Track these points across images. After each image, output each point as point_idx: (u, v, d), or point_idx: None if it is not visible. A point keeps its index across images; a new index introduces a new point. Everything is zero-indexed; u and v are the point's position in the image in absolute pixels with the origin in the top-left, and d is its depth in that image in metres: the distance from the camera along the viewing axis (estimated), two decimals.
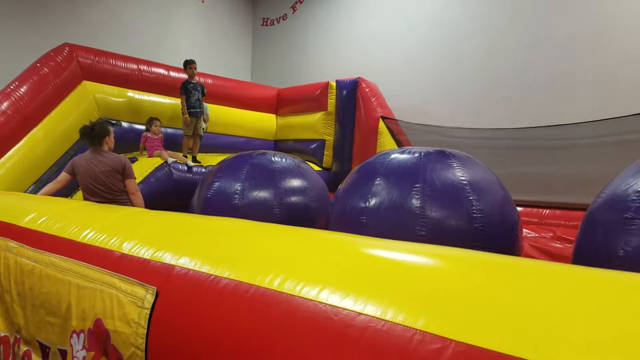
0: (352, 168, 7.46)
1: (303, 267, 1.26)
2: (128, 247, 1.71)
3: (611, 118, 5.28)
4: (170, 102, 6.95)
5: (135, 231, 1.84)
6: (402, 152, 3.37)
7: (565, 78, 6.21)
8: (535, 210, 5.54)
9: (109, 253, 1.76)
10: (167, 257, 1.54)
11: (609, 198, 2.44)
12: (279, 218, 4.15)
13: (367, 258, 1.27)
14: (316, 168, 7.83)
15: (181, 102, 6.32)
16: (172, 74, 7.04)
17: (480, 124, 6.64)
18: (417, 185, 3.03)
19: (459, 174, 3.11)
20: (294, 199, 4.32)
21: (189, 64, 6.37)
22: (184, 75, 6.55)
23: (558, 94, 6.26)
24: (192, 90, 6.32)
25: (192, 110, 6.32)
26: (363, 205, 3.16)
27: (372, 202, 3.12)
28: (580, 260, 2.56)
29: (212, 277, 1.34)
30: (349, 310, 1.04)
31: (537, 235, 4.88)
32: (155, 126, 6.12)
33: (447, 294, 1.02)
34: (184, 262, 1.47)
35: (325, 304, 1.08)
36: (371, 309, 1.02)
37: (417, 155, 3.25)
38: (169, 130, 6.79)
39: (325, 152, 8.03)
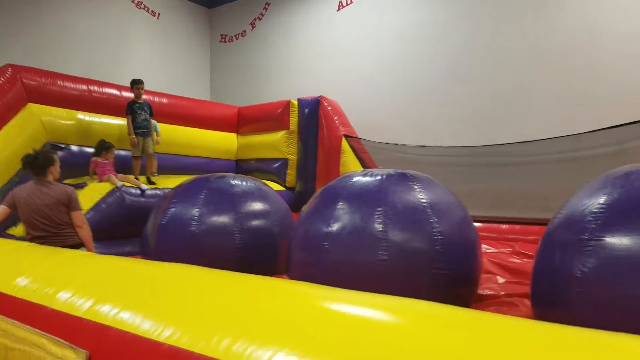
0: (316, 187, 7.46)
1: (255, 325, 1.16)
2: (63, 299, 1.57)
3: (568, 135, 5.45)
4: (123, 124, 6.72)
5: (74, 279, 1.70)
6: (364, 175, 3.34)
7: (523, 96, 6.37)
8: (494, 225, 5.62)
9: (40, 308, 1.61)
10: (105, 311, 1.41)
11: (566, 218, 2.46)
12: (239, 244, 4.03)
13: (326, 314, 1.18)
14: (279, 188, 7.73)
15: (127, 123, 6.18)
16: (125, 94, 6.81)
17: (441, 141, 6.72)
18: (379, 209, 3.01)
19: (420, 196, 3.10)
20: (255, 223, 4.20)
21: (136, 84, 6.27)
22: None
23: (516, 111, 6.42)
24: (138, 110, 6.21)
25: (138, 130, 6.19)
26: (325, 230, 3.10)
27: (335, 227, 3.07)
28: (539, 280, 2.57)
29: (151, 341, 1.22)
30: None
31: (496, 250, 4.93)
32: (111, 153, 5.89)
33: (409, 357, 0.94)
34: (123, 318, 1.35)
35: None
36: None
37: (378, 178, 3.23)
38: (121, 152, 6.54)
39: (288, 171, 7.95)
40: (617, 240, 2.05)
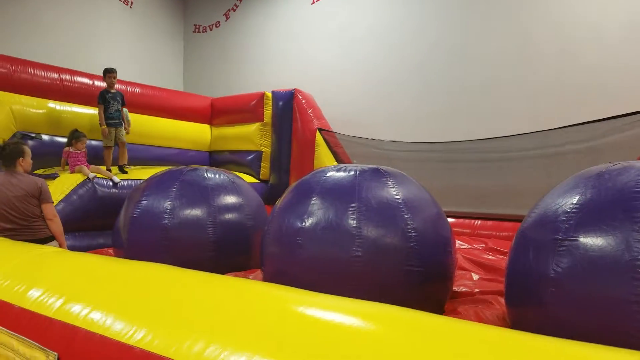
0: (290, 180, 7.42)
1: (229, 329, 1.12)
2: (34, 297, 1.50)
3: (541, 131, 5.53)
4: (95, 113, 6.54)
5: (46, 276, 1.63)
6: (338, 170, 3.32)
7: (495, 92, 6.44)
8: (467, 221, 5.69)
9: (9, 307, 1.54)
10: (76, 311, 1.35)
11: (539, 217, 2.48)
12: (212, 238, 3.98)
13: (301, 319, 1.15)
14: (253, 180, 7.66)
15: (99, 113, 6.03)
16: (97, 83, 6.64)
17: (414, 136, 6.76)
18: (353, 204, 2.99)
19: (394, 192, 3.10)
20: (228, 216, 4.17)
21: (108, 73, 6.10)
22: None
23: (488, 108, 6.48)
24: (110, 100, 6.06)
25: (111, 121, 6.06)
26: (299, 225, 3.08)
27: (308, 222, 3.05)
28: (513, 280, 2.59)
29: (121, 344, 1.17)
30: None
31: (469, 246, 4.99)
32: (82, 143, 5.71)
33: None
34: (94, 319, 1.29)
35: None
36: None
37: (352, 173, 3.21)
38: (93, 142, 6.36)
39: (262, 163, 7.88)
40: (590, 241, 2.07)
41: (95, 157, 6.15)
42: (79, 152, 5.64)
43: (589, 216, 2.17)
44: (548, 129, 5.49)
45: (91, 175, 5.35)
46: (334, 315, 1.15)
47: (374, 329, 1.07)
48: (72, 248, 4.42)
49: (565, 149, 5.27)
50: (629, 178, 2.19)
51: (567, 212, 2.26)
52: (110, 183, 5.51)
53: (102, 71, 6.24)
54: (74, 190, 5.18)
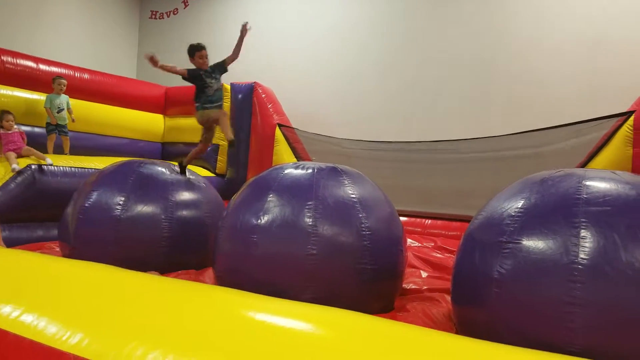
0: (248, 175, 7.34)
1: (174, 334, 1.09)
2: None
3: (489, 137, 5.77)
4: (40, 99, 6.21)
5: None
6: (296, 168, 3.32)
7: (449, 96, 6.62)
8: (418, 220, 5.85)
9: None
10: (6, 312, 1.27)
11: (486, 220, 2.57)
12: (167, 234, 3.88)
13: (250, 324, 1.14)
14: (209, 174, 7.52)
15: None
16: (42, 66, 6.31)
17: (372, 135, 6.84)
18: (310, 202, 3.00)
19: (350, 191, 3.14)
20: (185, 213, 4.07)
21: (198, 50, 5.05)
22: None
23: (442, 111, 6.65)
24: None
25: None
26: (255, 222, 3.06)
27: (264, 219, 3.03)
28: (459, 279, 2.67)
29: (53, 350, 1.11)
30: None
31: (420, 244, 5.13)
32: (7, 120, 5.33)
33: None
34: (26, 321, 1.22)
35: None
36: None
37: (310, 171, 3.22)
38: (36, 129, 6.06)
39: (219, 157, 7.74)
40: (532, 244, 2.16)
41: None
42: (9, 132, 5.29)
43: (532, 220, 2.26)
44: (498, 135, 5.71)
45: (15, 167, 4.95)
46: (285, 320, 1.15)
47: (325, 335, 1.08)
48: (8, 240, 4.19)
49: (513, 153, 5.49)
50: (570, 185, 2.30)
51: (512, 216, 2.35)
52: (53, 169, 5.19)
53: (51, 55, 5.96)
54: (12, 178, 4.90)
